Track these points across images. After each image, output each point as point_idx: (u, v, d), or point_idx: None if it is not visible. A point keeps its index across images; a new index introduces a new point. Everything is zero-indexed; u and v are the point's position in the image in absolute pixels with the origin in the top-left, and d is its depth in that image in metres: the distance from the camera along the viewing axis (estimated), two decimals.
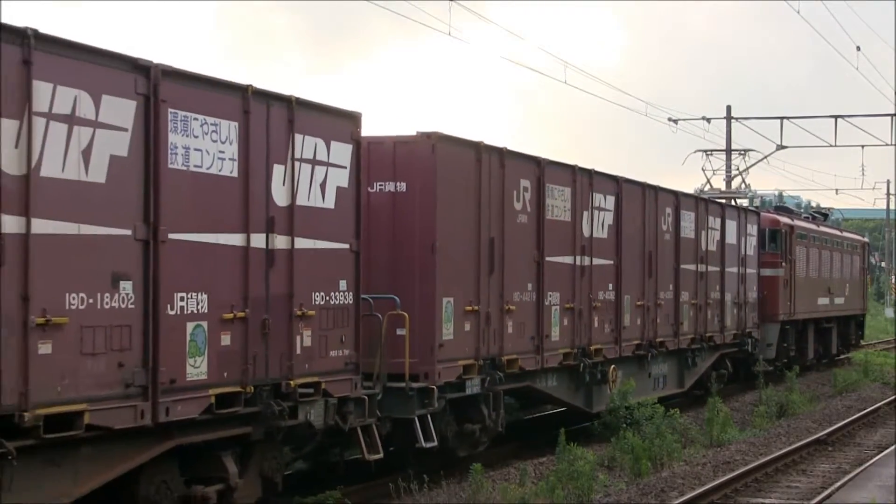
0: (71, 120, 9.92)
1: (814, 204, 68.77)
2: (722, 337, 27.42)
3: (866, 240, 46.09)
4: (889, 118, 41.45)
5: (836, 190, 64.36)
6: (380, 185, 15.68)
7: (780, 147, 42.35)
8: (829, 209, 47.16)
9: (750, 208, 32.50)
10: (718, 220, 27.50)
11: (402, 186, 15.71)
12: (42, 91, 9.63)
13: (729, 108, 44.31)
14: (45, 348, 9.59)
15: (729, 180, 41.79)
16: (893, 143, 41.39)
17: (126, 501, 11.14)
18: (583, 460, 16.01)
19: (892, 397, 28.45)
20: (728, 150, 42.98)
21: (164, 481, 11.43)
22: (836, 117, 41.44)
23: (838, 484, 16.46)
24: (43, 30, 9.62)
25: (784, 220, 33.01)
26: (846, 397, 30.03)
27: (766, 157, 39.20)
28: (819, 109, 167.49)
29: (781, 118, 42.18)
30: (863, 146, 46.88)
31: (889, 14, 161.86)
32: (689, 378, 25.83)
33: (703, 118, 43.53)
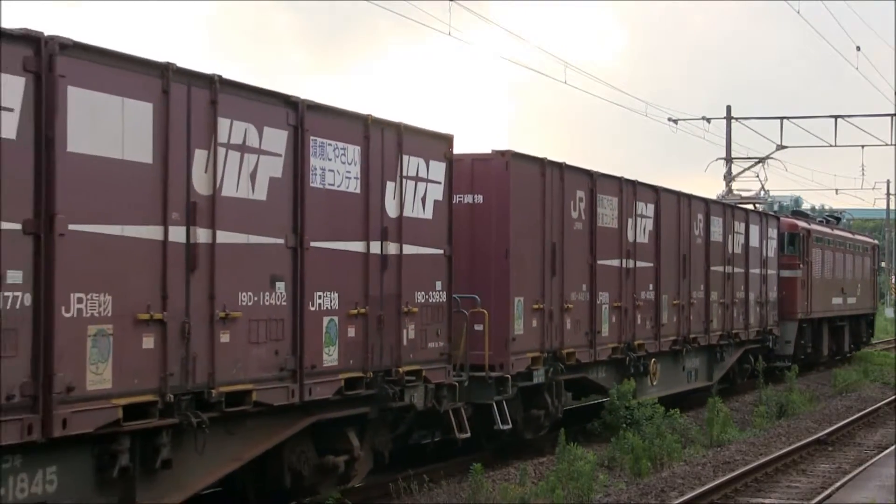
0: (242, 148, 11.97)
1: (814, 204, 69.82)
2: (746, 333, 29.43)
3: (876, 242, 47.96)
4: (889, 118, 41.66)
5: (836, 190, 63.95)
6: (459, 198, 17.65)
7: (780, 147, 42.58)
8: (841, 212, 48.87)
9: (770, 213, 34.51)
10: (743, 225, 29.52)
11: (480, 198, 17.73)
12: (223, 126, 11.68)
13: (729, 108, 44.41)
14: (225, 337, 11.63)
15: (729, 181, 42.60)
16: (893, 143, 41.70)
17: (273, 468, 13.17)
18: (583, 460, 15.99)
19: (892, 397, 28.76)
20: (728, 150, 43.43)
21: (302, 451, 13.49)
22: (836, 117, 41.63)
23: (838, 484, 16.43)
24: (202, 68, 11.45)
25: (801, 224, 35.07)
26: (846, 397, 30.19)
27: (784, 166, 40.98)
28: (819, 109, 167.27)
29: (781, 118, 42.38)
30: (863, 146, 46.99)
31: (889, 14, 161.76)
32: (718, 372, 27.85)
33: (703, 118, 43.71)
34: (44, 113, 9.70)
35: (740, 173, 42.05)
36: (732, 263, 28.43)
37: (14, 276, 9.34)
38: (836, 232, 40.11)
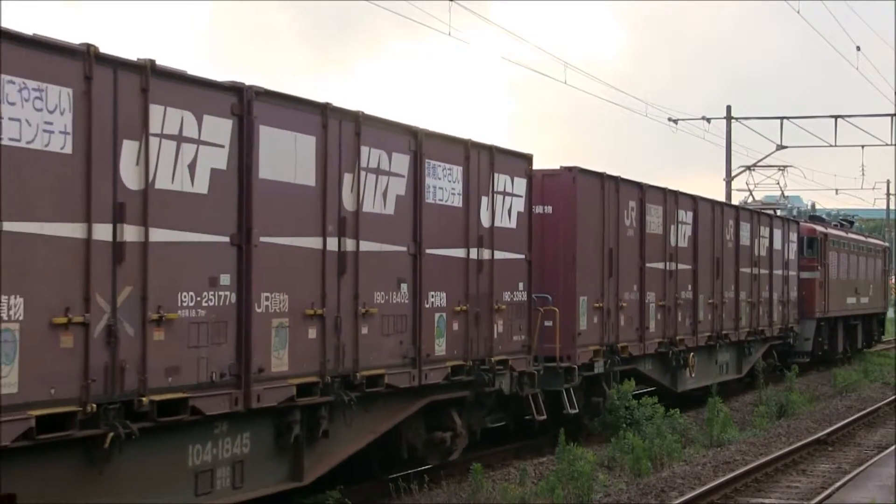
0: (377, 171, 14.24)
1: (813, 204, 70.33)
2: (770, 330, 31.74)
3: (887, 244, 50.22)
4: (889, 118, 41.93)
5: (836, 190, 64.71)
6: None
7: (780, 147, 43.00)
8: (853, 216, 50.97)
9: (790, 218, 36.81)
10: (767, 230, 31.82)
11: (549, 209, 19.99)
12: (364, 152, 13.96)
13: (729, 108, 44.57)
14: (364, 330, 13.92)
15: (729, 181, 43.72)
16: (893, 143, 42.00)
17: (393, 442, 15.46)
18: (583, 460, 15.94)
19: (892, 397, 29.03)
20: (728, 150, 44.14)
21: (416, 428, 15.79)
22: (836, 117, 41.86)
23: (838, 484, 16.45)
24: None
25: (819, 228, 37.38)
26: (846, 397, 30.31)
27: (802, 173, 43.05)
28: (819, 109, 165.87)
29: (781, 118, 42.65)
30: (863, 146, 47.17)
31: (889, 14, 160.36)
32: (746, 365, 30.15)
33: (703, 118, 44.01)
34: (245, 148, 11.84)
35: (739, 174, 43.69)
36: (759, 265, 30.72)
37: (224, 279, 11.62)
38: (850, 235, 42.40)
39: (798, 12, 35.78)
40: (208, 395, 11.39)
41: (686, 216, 25.46)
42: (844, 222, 44.12)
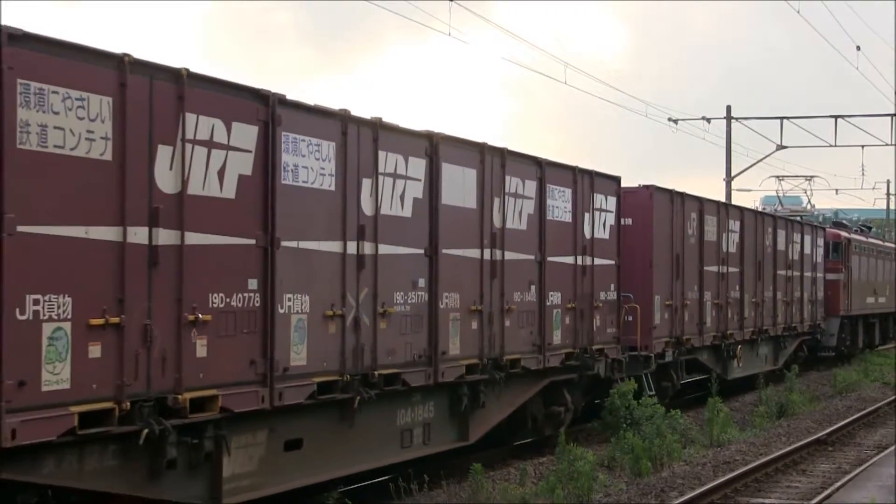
0: (516, 196, 17.70)
1: (812, 204, 72.04)
2: (802, 326, 35.23)
3: None
4: (889, 118, 42.36)
5: (837, 190, 65.98)
6: None
7: (780, 147, 43.50)
8: (869, 223, 54.27)
9: (817, 225, 40.31)
10: (799, 236, 35.30)
11: (629, 221, 23.42)
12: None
13: (729, 108, 45.06)
14: (508, 323, 17.35)
15: (729, 181, 44.99)
16: (893, 143, 42.41)
17: (520, 413, 18.89)
18: (583, 460, 16.06)
19: (892, 397, 29.41)
20: (728, 150, 45.17)
21: (538, 404, 19.28)
22: (836, 117, 42.28)
23: (838, 484, 16.51)
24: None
25: (843, 234, 40.88)
26: (846, 397, 30.59)
27: (827, 182, 46.26)
28: (819, 109, 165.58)
29: (781, 118, 43.18)
30: (863, 146, 47.59)
31: (889, 14, 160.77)
32: (781, 358, 33.65)
33: (703, 118, 44.52)
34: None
35: (740, 173, 46.18)
36: (792, 268, 34.21)
37: (421, 283, 15.10)
38: (870, 240, 45.88)
39: (798, 12, 35.90)
40: (412, 371, 14.87)
41: (734, 225, 28.93)
42: (864, 228, 47.59)
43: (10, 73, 9.27)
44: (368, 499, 15.06)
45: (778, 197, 43.95)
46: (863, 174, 54.69)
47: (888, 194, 78.43)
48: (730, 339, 28.21)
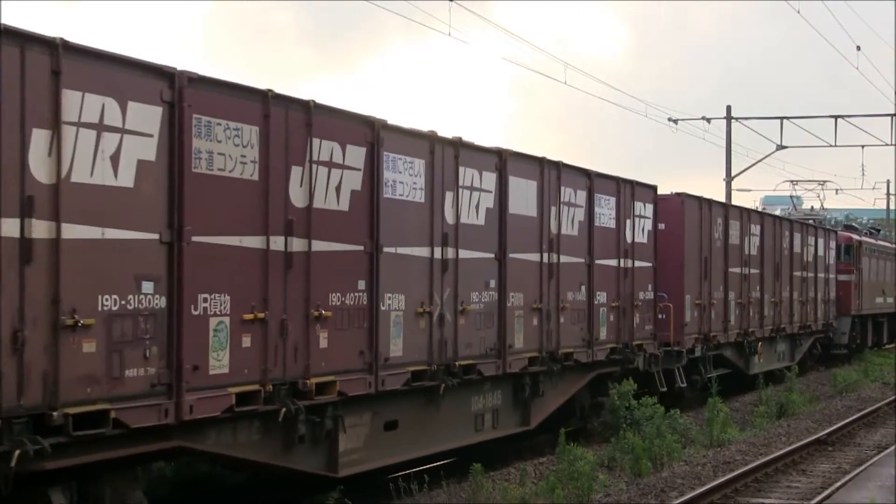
0: (569, 205, 19.54)
1: (813, 205, 72.57)
2: (816, 325, 37.09)
3: None
4: (889, 118, 42.62)
5: (837, 190, 62.80)
6: None
7: (780, 147, 43.86)
8: (879, 225, 56.03)
9: (829, 228, 42.16)
10: (813, 238, 37.15)
11: (663, 226, 25.23)
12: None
13: (729, 108, 45.35)
14: (563, 320, 19.19)
15: (729, 181, 45.47)
16: (893, 143, 42.63)
17: (567, 404, 20.71)
18: (583, 460, 16.06)
19: (892, 397, 29.57)
20: (728, 151, 45.63)
21: (584, 394, 21.12)
22: (836, 117, 42.55)
23: (838, 484, 16.51)
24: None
25: (855, 237, 42.73)
26: (846, 397, 30.75)
27: (837, 185, 47.92)
28: (819, 109, 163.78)
29: (781, 118, 43.48)
30: (863, 146, 47.83)
31: (889, 14, 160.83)
32: (798, 354, 35.52)
33: (703, 118, 44.80)
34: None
35: (740, 173, 47.45)
36: (807, 269, 36.05)
37: (492, 283, 16.94)
38: (879, 242, 47.72)
39: (798, 12, 36.09)
40: (485, 362, 16.72)
41: (755, 229, 30.77)
42: (873, 230, 49.43)
43: (189, 109, 11.07)
44: (368, 498, 15.13)
45: (792, 200, 45.74)
46: (863, 174, 55.17)
47: (888, 194, 78.56)
48: (751, 336, 30.05)
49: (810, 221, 40.89)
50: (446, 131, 16.26)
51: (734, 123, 45.26)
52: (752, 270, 30.37)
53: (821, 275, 38.00)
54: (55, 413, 9.57)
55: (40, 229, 9.52)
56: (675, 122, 44.38)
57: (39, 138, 9.55)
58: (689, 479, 17.25)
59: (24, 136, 9.41)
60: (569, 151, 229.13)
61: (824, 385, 33.55)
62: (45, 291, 9.57)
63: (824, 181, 46.47)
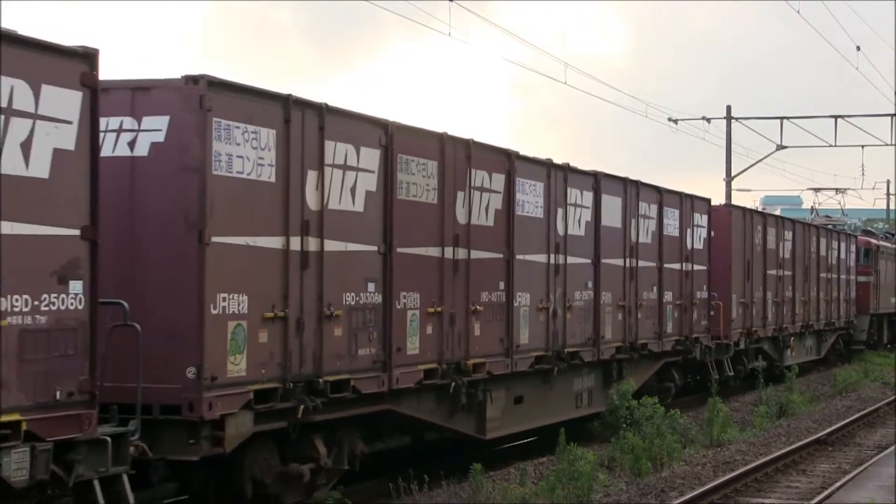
0: (646, 218, 22.88)
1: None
2: (838, 322, 40.49)
3: None
4: (889, 118, 43.16)
5: (836, 190, 61.69)
6: None
7: (780, 147, 44.43)
8: (893, 229, 59.15)
9: (849, 233, 45.59)
10: (836, 243, 40.56)
11: (712, 234, 28.61)
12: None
13: (729, 108, 45.72)
14: (640, 315, 22.52)
15: (729, 181, 46.18)
16: (893, 143, 43.18)
17: (640, 389, 24.05)
18: (583, 460, 16.12)
19: (892, 397, 29.82)
20: (728, 151, 46.26)
21: (652, 380, 24.47)
22: (836, 117, 43.04)
23: (838, 484, 16.49)
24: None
25: (873, 241, 46.16)
26: (846, 397, 30.91)
27: (858, 194, 50.93)
28: (819, 109, 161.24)
29: (781, 118, 43.84)
30: (863, 146, 48.29)
31: (889, 14, 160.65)
32: (823, 349, 38.94)
33: (703, 118, 45.21)
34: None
35: (740, 173, 49.47)
36: (831, 271, 39.45)
37: (589, 284, 20.30)
38: (894, 245, 51.09)
39: (798, 12, 36.32)
40: (585, 350, 20.10)
41: (788, 235, 34.16)
42: (888, 234, 52.75)
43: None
44: (368, 498, 15.33)
45: (814, 209, 49.01)
46: (863, 174, 55.58)
47: (888, 194, 78.71)
48: (785, 331, 33.44)
49: (830, 226, 44.26)
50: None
51: (734, 123, 45.70)
52: (786, 272, 33.74)
53: (843, 276, 41.40)
54: (321, 380, 12.92)
55: (312, 244, 12.88)
56: (675, 122, 44.85)
57: (310, 178, 12.91)
58: (689, 479, 17.36)
59: (302, 175, 12.76)
60: (569, 151, 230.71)
61: (824, 385, 34.07)
62: (314, 290, 12.92)
63: (844, 189, 49.73)
